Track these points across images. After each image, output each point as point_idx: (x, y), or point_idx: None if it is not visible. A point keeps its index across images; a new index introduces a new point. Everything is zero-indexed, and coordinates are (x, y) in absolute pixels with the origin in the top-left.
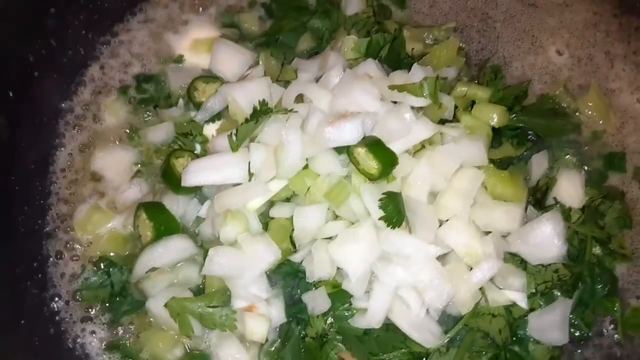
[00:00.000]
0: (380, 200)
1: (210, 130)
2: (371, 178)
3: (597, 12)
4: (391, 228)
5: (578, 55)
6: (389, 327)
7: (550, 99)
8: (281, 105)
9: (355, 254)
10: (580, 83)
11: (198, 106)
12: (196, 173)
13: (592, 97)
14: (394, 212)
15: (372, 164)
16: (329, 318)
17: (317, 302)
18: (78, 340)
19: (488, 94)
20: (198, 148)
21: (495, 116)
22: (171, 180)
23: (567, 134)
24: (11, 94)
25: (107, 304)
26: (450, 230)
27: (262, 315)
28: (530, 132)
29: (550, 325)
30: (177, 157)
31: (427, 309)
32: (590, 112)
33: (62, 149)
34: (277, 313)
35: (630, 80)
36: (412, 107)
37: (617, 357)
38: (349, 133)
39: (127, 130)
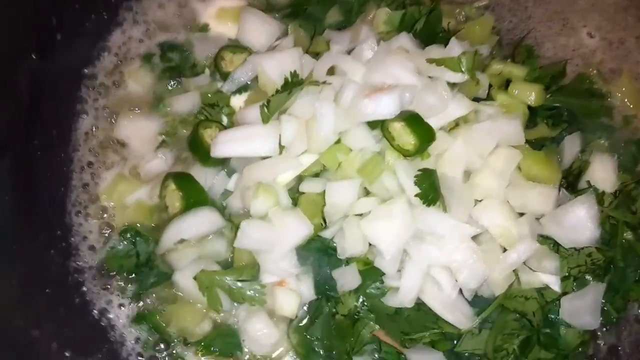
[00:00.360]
0: (415, 176)
1: (237, 101)
2: (406, 154)
3: None
4: (426, 205)
5: (609, 38)
6: (420, 307)
7: (587, 78)
8: (312, 77)
9: (389, 231)
10: (612, 67)
11: (225, 76)
12: (226, 144)
13: (624, 82)
14: (430, 189)
15: (408, 139)
16: (361, 296)
17: (347, 278)
18: (104, 312)
19: (524, 72)
20: (225, 119)
21: (532, 95)
22: (199, 151)
23: (602, 115)
24: (34, 56)
25: (132, 275)
26: (485, 210)
27: (292, 290)
28: (565, 113)
29: (582, 309)
30: (206, 127)
31: (460, 290)
32: (622, 97)
33: (85, 115)
34: (306, 289)
35: None
36: (448, 83)
37: None
38: (386, 106)
39: (152, 99)
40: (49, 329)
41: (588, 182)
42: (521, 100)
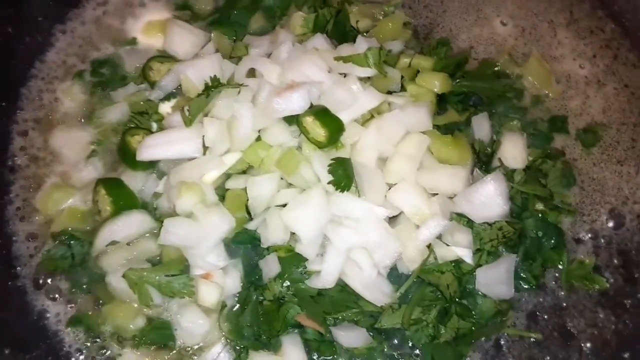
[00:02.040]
0: (329, 165)
1: (165, 108)
2: (320, 146)
3: None
4: (340, 191)
5: (522, 25)
6: (343, 287)
7: (491, 63)
8: (233, 81)
9: (306, 218)
10: (525, 52)
11: (153, 85)
12: (151, 148)
13: (532, 64)
14: (343, 176)
15: (320, 132)
16: (286, 282)
17: (269, 266)
18: (43, 313)
19: (430, 62)
20: (154, 126)
21: (437, 83)
22: (127, 157)
23: (510, 96)
24: None
25: (68, 274)
26: (398, 193)
27: (214, 282)
28: (473, 98)
29: (496, 280)
30: (133, 134)
31: (378, 269)
32: (532, 79)
33: (22, 131)
34: (232, 281)
35: (572, 47)
36: (360, 78)
37: (562, 307)
38: (296, 102)
39: (85, 112)
40: None
41: (499, 160)
42: (428, 89)
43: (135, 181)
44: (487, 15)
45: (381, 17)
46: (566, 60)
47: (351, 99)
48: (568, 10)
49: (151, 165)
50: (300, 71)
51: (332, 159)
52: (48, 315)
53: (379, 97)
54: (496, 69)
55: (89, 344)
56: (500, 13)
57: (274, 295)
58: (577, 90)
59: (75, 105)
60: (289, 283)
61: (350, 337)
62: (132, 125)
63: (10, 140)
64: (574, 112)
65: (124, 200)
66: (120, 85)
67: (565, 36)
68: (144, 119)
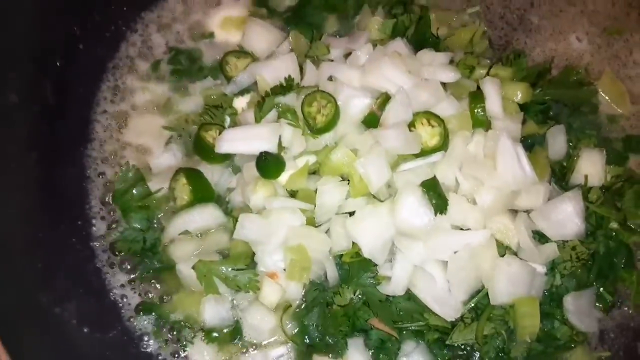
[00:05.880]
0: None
1: (239, 103)
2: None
3: (616, 3)
4: (435, 214)
5: (597, 42)
6: (410, 296)
7: (574, 70)
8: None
9: (370, 230)
10: (600, 69)
11: (229, 80)
12: (230, 142)
13: (605, 82)
14: (435, 197)
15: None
16: (358, 289)
17: (330, 273)
18: (119, 295)
19: (509, 72)
20: (227, 120)
21: (519, 93)
22: (203, 151)
23: (585, 110)
24: (58, 64)
25: (140, 258)
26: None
27: (278, 284)
28: (554, 106)
29: (585, 311)
30: (207, 130)
31: (451, 284)
32: (605, 96)
33: (103, 114)
34: (294, 287)
35: None
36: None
37: (629, 327)
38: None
39: (162, 100)
40: (70, 307)
41: (577, 176)
42: (509, 99)
43: (211, 174)
44: (563, 31)
45: (456, 25)
46: None
47: (434, 100)
48: None
49: (226, 158)
50: (381, 74)
51: (421, 185)
52: (124, 298)
53: (458, 107)
54: (577, 77)
55: (160, 330)
56: (576, 29)
57: (345, 301)
58: None
59: (153, 93)
60: (359, 290)
61: None
62: (205, 117)
63: (91, 124)
64: None
65: (202, 192)
66: (197, 76)
67: None
68: (218, 113)
